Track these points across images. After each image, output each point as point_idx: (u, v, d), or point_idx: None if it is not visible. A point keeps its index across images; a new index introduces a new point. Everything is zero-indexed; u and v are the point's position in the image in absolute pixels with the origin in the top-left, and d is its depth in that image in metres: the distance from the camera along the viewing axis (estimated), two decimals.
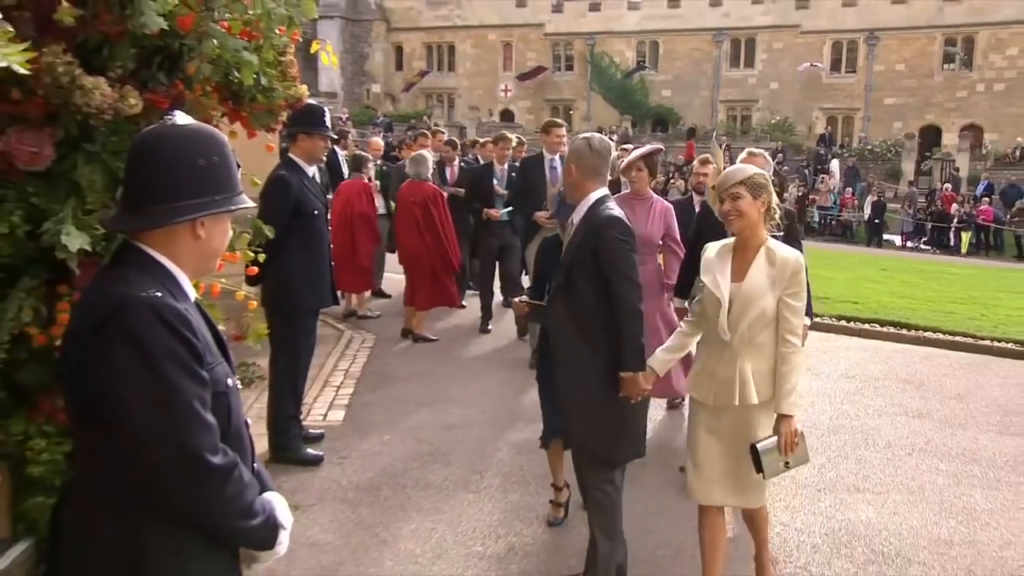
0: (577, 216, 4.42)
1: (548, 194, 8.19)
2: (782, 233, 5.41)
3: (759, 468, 4.04)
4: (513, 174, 10.38)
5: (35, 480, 4.08)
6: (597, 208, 4.34)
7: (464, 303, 11.08)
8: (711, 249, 4.28)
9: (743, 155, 5.90)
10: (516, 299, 5.44)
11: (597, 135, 4.68)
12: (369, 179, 10.92)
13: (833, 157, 38.00)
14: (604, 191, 4.44)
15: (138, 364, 2.08)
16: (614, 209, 4.36)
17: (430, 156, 10.45)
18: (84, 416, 2.23)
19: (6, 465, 3.96)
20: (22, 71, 2.10)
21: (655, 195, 6.98)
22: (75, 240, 3.80)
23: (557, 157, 8.90)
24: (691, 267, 5.68)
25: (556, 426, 4.95)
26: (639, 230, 5.73)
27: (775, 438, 4.06)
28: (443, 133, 11.96)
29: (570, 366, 4.42)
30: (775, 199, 4.18)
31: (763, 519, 4.61)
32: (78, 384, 2.20)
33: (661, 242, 6.82)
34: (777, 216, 4.22)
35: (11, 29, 2.23)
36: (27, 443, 4.06)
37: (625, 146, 8.75)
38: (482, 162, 11.93)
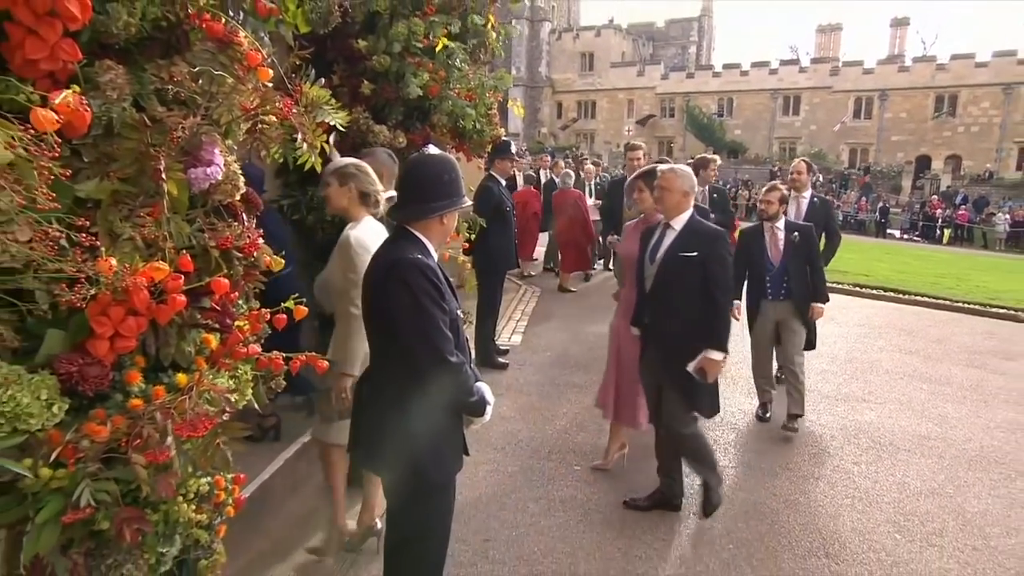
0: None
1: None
2: (797, 235, 4.84)
3: (311, 410, 2.99)
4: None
5: None
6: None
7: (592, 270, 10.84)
8: None
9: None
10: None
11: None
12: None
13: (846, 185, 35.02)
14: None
15: (409, 298, 2.15)
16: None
17: (572, 173, 10.51)
18: (377, 331, 2.33)
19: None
20: (340, 128, 2.23)
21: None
22: None
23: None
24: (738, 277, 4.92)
25: None
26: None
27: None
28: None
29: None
30: (376, 186, 3.08)
31: (330, 461, 3.29)
32: (374, 311, 2.29)
33: None
34: (372, 201, 3.07)
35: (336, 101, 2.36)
36: None
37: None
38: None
